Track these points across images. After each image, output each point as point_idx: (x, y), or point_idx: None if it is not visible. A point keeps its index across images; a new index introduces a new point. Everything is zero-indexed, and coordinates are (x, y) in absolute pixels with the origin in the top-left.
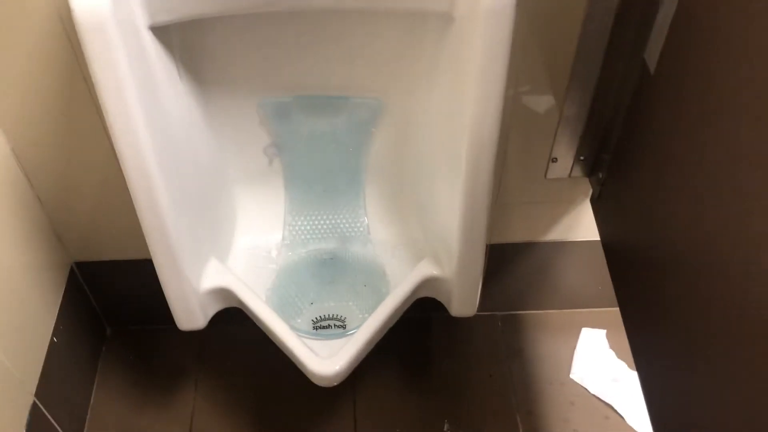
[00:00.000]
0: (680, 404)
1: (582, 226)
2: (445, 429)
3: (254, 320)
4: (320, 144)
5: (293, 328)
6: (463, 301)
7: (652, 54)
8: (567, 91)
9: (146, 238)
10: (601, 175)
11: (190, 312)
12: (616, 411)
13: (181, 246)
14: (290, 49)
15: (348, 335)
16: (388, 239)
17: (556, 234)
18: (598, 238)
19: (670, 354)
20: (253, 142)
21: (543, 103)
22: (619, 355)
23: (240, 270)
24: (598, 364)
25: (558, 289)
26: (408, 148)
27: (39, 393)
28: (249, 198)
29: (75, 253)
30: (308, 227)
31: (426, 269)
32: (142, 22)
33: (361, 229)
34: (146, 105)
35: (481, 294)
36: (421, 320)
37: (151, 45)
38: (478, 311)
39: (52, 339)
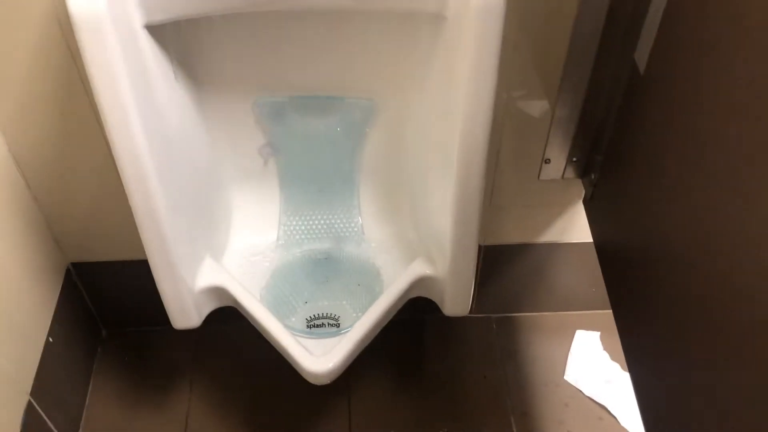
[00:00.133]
0: (672, 404)
1: (576, 227)
2: None
3: (249, 319)
4: (315, 144)
5: (287, 326)
6: (456, 300)
7: (642, 55)
8: (559, 92)
9: (142, 237)
10: (593, 176)
11: (185, 311)
12: (609, 412)
13: (176, 245)
14: (285, 49)
15: (342, 334)
16: (382, 239)
17: (550, 236)
18: (592, 240)
19: (662, 354)
20: (248, 142)
21: (535, 104)
22: (613, 357)
23: (235, 269)
24: (592, 366)
25: (552, 291)
26: (402, 148)
27: (34, 392)
28: (244, 198)
29: (71, 254)
30: (303, 227)
31: (419, 268)
32: (137, 21)
33: (356, 229)
34: (141, 103)
35: (475, 296)
36: (416, 322)
37: (146, 44)
38: (472, 313)
39: (47, 339)
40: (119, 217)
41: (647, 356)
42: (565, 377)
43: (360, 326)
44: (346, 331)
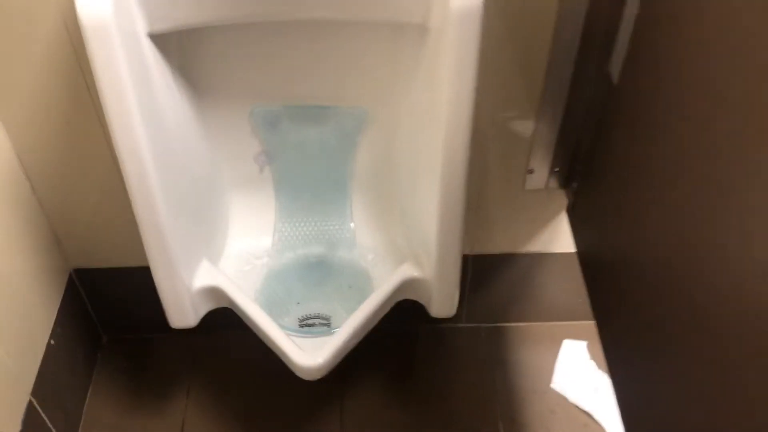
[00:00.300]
0: (652, 410)
1: (562, 238)
2: None
3: (243, 318)
4: (309, 152)
5: (280, 326)
6: (442, 302)
7: (615, 66)
8: (540, 105)
9: (142, 237)
10: (574, 186)
11: (182, 310)
12: (595, 419)
13: (174, 245)
14: (280, 60)
15: (333, 333)
16: (373, 244)
17: (537, 245)
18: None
19: (643, 361)
20: (245, 150)
21: (518, 116)
22: (600, 366)
23: (231, 272)
24: (579, 375)
25: (540, 301)
26: (392, 155)
27: (35, 392)
28: (241, 204)
29: (74, 259)
30: (297, 233)
31: (407, 271)
32: (141, 29)
33: (348, 234)
34: (144, 106)
35: (466, 306)
36: (408, 333)
37: (149, 51)
38: (463, 323)
39: (49, 341)
40: (121, 224)
41: (628, 363)
42: (552, 385)
43: (350, 324)
44: (337, 330)
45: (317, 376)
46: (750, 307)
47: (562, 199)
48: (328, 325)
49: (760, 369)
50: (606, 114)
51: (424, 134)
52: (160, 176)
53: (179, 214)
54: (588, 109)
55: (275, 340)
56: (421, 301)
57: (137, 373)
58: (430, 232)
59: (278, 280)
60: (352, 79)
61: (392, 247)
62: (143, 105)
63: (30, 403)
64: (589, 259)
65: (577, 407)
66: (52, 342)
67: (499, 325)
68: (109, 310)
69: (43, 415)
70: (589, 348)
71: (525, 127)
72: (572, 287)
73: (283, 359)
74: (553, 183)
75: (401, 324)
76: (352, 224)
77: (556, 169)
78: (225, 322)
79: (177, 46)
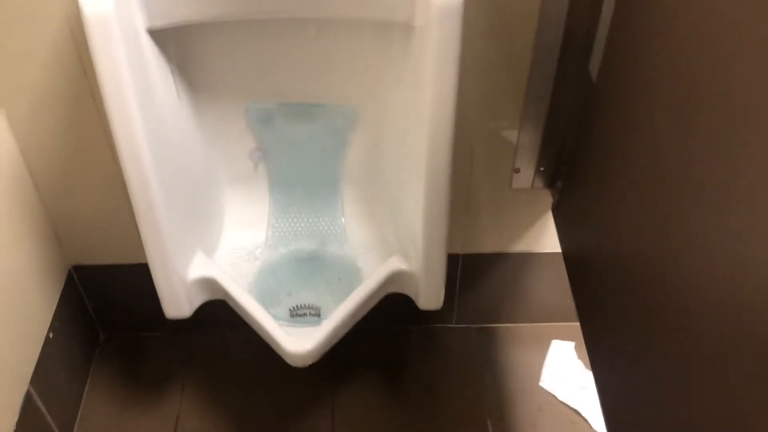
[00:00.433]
0: (632, 404)
1: (550, 237)
2: None
3: (235, 309)
4: (301, 150)
5: (272, 315)
6: (429, 294)
7: (594, 64)
8: (524, 104)
9: (139, 226)
10: (558, 185)
11: (177, 301)
12: (582, 417)
13: (170, 236)
14: (275, 58)
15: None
16: (363, 240)
17: (524, 245)
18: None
19: (624, 359)
20: (240, 147)
21: (504, 115)
22: (587, 366)
23: (225, 265)
24: (567, 374)
25: (529, 302)
26: (381, 153)
27: (33, 382)
28: (236, 200)
29: (73, 256)
30: (290, 228)
31: (395, 264)
32: (141, 24)
33: (339, 230)
34: (143, 100)
35: (456, 308)
36: (400, 332)
37: (148, 47)
38: (454, 324)
39: (48, 335)
40: (119, 222)
41: (610, 361)
42: (541, 384)
43: (339, 313)
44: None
45: (306, 362)
46: (727, 304)
47: (548, 199)
48: (318, 315)
49: (736, 364)
50: (587, 113)
51: (411, 132)
52: (157, 168)
53: (175, 206)
54: (571, 108)
55: (266, 328)
56: (409, 294)
57: (134, 369)
58: (416, 226)
59: (271, 274)
60: (343, 78)
61: (381, 242)
62: (142, 98)
63: (28, 392)
64: (572, 258)
65: (565, 405)
66: (51, 335)
67: (489, 325)
68: (106, 308)
69: (40, 404)
70: (577, 348)
71: (511, 125)
72: (560, 288)
73: (273, 347)
74: (539, 182)
75: (393, 324)
76: (342, 220)
77: (542, 169)
78: (219, 321)
79: (174, 44)
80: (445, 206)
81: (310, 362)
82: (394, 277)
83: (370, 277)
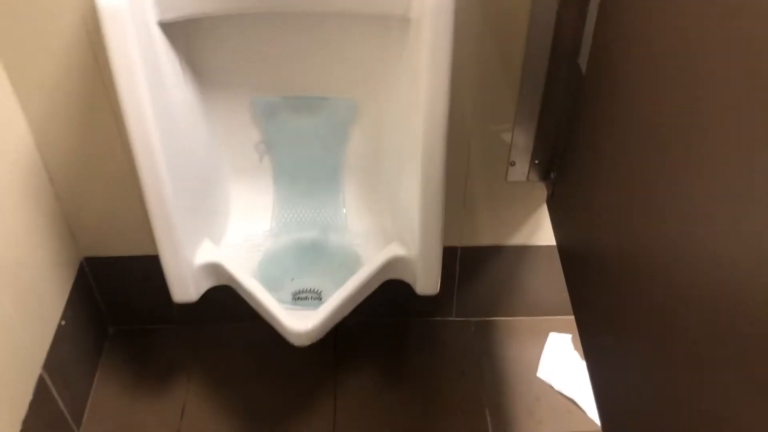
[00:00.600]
0: (623, 393)
1: (548, 231)
2: None
3: (240, 292)
4: (304, 142)
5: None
6: (426, 280)
7: (583, 57)
8: (519, 97)
9: (149, 212)
10: (552, 177)
11: (185, 285)
12: (578, 405)
13: (179, 222)
14: (279, 52)
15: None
16: (363, 229)
17: (522, 238)
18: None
19: (614, 348)
20: (246, 139)
21: (500, 108)
22: (584, 357)
23: (231, 253)
24: (564, 364)
25: (527, 296)
26: (381, 145)
27: (46, 366)
28: (241, 190)
29: (85, 248)
30: (293, 218)
31: (394, 250)
32: (152, 17)
33: (340, 220)
34: (154, 91)
35: (456, 301)
36: (400, 325)
37: (159, 40)
38: (453, 317)
39: (60, 322)
40: (130, 216)
41: (602, 351)
42: (538, 374)
43: (339, 294)
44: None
45: (307, 341)
46: (717, 296)
47: (544, 193)
48: (319, 298)
49: (722, 357)
50: (577, 105)
51: (408, 123)
52: (167, 157)
53: (184, 195)
54: (563, 101)
55: (270, 309)
56: (407, 280)
57: (142, 360)
58: (413, 214)
59: (275, 261)
60: (344, 72)
61: (381, 231)
62: (153, 90)
63: (41, 376)
64: (566, 249)
65: (561, 395)
66: (63, 323)
67: (487, 319)
68: (116, 301)
69: (52, 389)
70: (574, 340)
71: (506, 119)
72: (557, 281)
73: (276, 327)
74: (534, 176)
75: (395, 317)
76: (344, 210)
77: (536, 162)
78: (224, 315)
79: (183, 37)
80: (440, 194)
81: (311, 341)
82: (393, 262)
83: (370, 261)
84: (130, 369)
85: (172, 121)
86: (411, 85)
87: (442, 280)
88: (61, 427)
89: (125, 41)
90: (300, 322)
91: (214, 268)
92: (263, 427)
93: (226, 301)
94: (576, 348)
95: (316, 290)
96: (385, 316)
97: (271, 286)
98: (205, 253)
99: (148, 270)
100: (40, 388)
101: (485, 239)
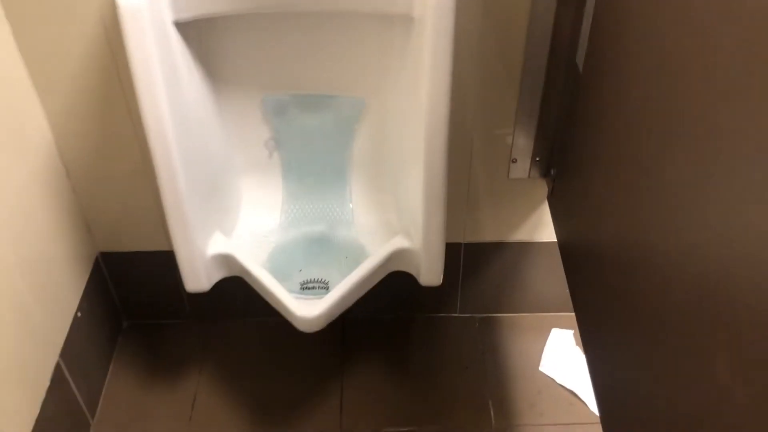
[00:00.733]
0: (622, 385)
1: (550, 227)
2: None
3: (250, 282)
4: (313, 138)
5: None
6: (429, 271)
7: (581, 56)
8: (519, 97)
9: (164, 204)
10: (552, 172)
11: (197, 275)
12: (579, 398)
13: (192, 215)
14: (289, 51)
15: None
16: (369, 223)
17: (524, 235)
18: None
19: (613, 342)
20: (256, 136)
21: (502, 109)
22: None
23: (241, 245)
24: (566, 359)
25: (530, 292)
26: (386, 141)
27: (63, 354)
28: (252, 186)
29: (101, 243)
30: (301, 213)
31: (398, 242)
32: (168, 17)
33: (347, 214)
34: (170, 89)
35: (460, 297)
36: (406, 320)
37: (174, 38)
38: (458, 313)
39: (76, 314)
40: (144, 212)
41: (601, 345)
42: (540, 368)
43: (345, 283)
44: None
45: (315, 327)
46: (716, 290)
47: (545, 189)
48: (326, 288)
49: (722, 351)
50: (575, 103)
51: (413, 121)
52: (181, 152)
53: (197, 189)
54: (562, 98)
55: (279, 297)
56: (411, 272)
57: (154, 353)
58: (417, 208)
59: (284, 253)
60: (350, 70)
61: (386, 225)
62: (169, 87)
63: (58, 363)
64: (566, 244)
65: (563, 388)
66: (79, 314)
67: (491, 315)
68: (129, 296)
69: (68, 377)
70: (576, 336)
71: (507, 117)
72: (559, 278)
73: (284, 314)
74: (535, 172)
75: (400, 313)
76: (350, 205)
77: (537, 159)
78: (235, 311)
79: (197, 37)
80: (443, 188)
81: (319, 327)
82: (397, 254)
83: (376, 252)
84: (143, 361)
85: (187, 118)
86: (415, 83)
87: (447, 276)
88: (77, 415)
89: (144, 40)
90: (307, 309)
91: (226, 259)
92: (272, 418)
93: (236, 297)
94: (578, 344)
95: (323, 280)
96: (391, 312)
97: (280, 276)
98: (216, 245)
99: (161, 266)
100: (57, 375)
101: (488, 235)
